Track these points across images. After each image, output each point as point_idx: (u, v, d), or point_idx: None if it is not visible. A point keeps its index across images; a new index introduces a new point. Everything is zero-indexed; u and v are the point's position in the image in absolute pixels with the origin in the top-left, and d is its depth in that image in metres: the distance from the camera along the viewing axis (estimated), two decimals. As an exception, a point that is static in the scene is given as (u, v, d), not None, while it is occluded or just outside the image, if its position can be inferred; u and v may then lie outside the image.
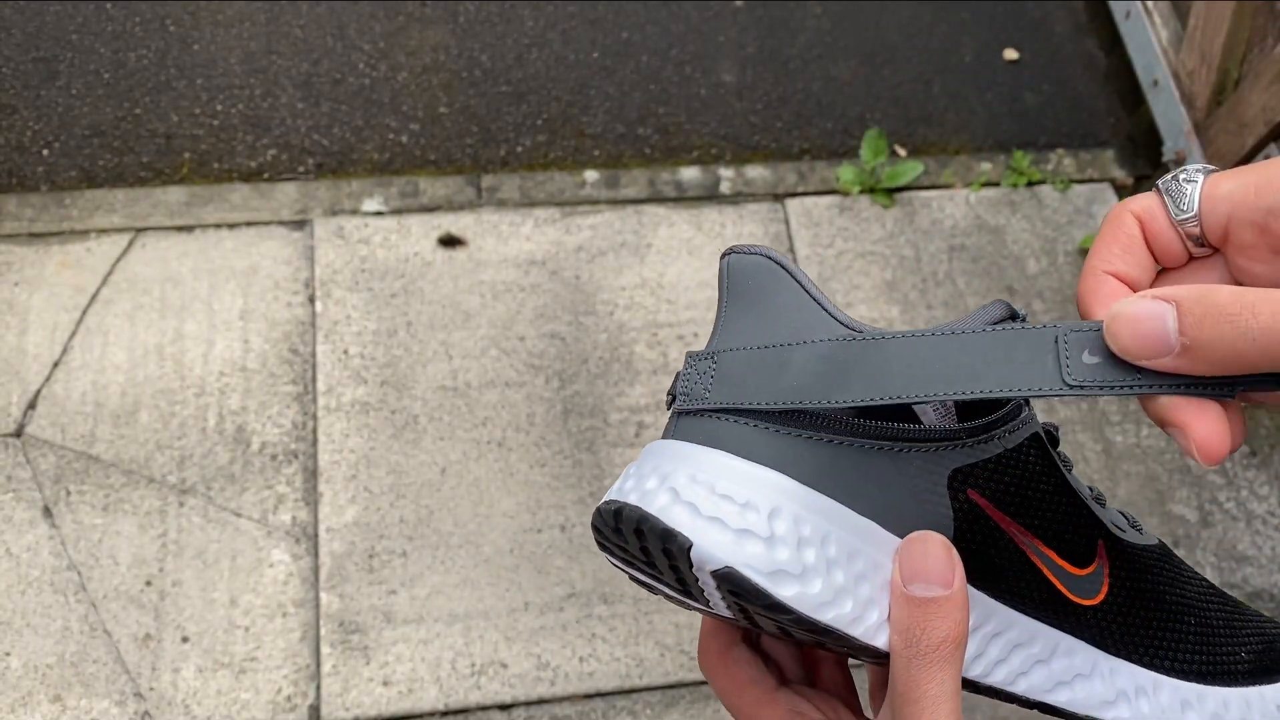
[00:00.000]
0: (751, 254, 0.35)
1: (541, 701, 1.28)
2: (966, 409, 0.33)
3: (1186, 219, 0.31)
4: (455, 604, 1.32)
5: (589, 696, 1.29)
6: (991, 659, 0.32)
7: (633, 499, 0.30)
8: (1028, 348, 0.29)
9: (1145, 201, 0.32)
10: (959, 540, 0.31)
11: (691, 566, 0.29)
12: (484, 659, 1.30)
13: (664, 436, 0.33)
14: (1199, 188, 0.31)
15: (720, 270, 0.35)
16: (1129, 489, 1.48)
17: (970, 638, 0.31)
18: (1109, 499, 1.48)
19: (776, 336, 0.32)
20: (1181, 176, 0.31)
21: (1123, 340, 0.29)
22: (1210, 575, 1.43)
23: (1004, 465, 0.32)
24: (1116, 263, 0.32)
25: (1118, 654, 0.35)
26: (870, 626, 0.30)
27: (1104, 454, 1.50)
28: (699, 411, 0.32)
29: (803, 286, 0.33)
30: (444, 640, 1.30)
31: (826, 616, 0.29)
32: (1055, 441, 0.35)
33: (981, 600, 0.32)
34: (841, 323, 0.32)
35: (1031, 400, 0.34)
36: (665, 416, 1.46)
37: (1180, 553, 1.45)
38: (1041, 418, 0.38)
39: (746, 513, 0.29)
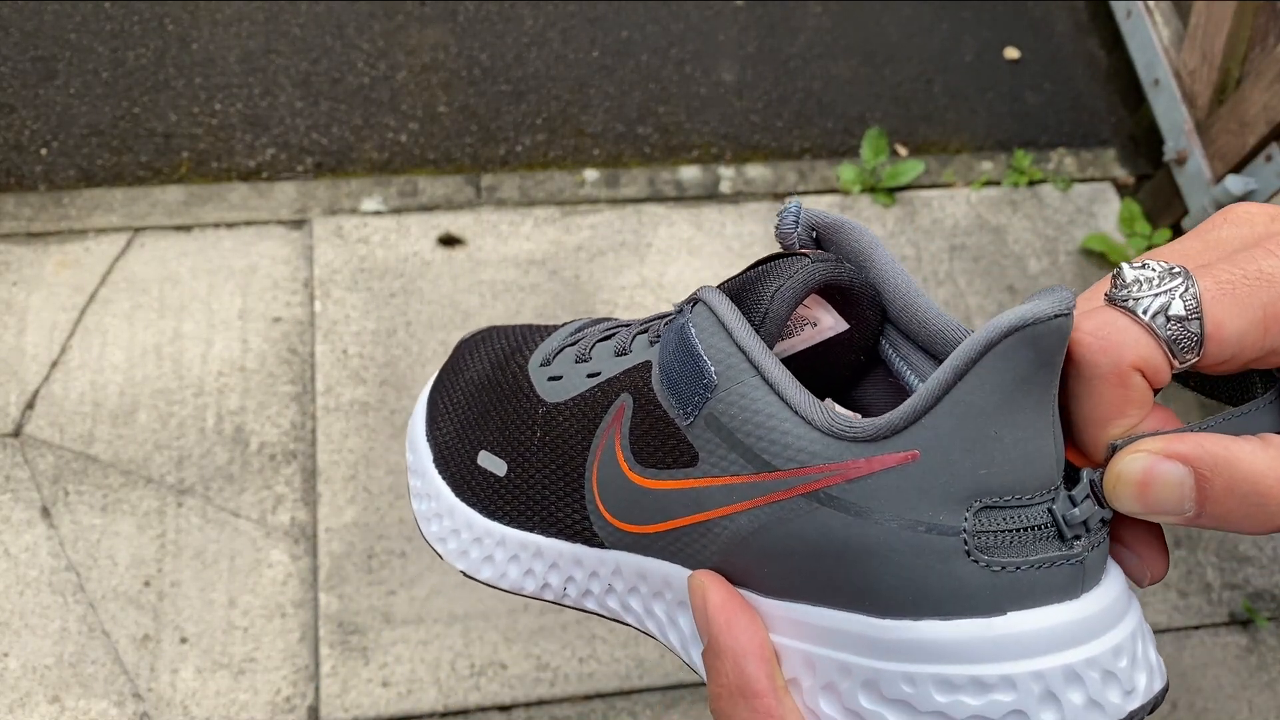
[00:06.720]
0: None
1: (541, 702, 1.28)
2: None
3: (1193, 361, 0.28)
4: (454, 605, 1.32)
5: (589, 697, 1.29)
6: None
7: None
8: None
9: (1144, 351, 0.28)
10: None
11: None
12: (483, 660, 1.29)
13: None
14: (1200, 323, 0.27)
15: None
16: (1130, 489, 1.47)
17: None
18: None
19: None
20: (1181, 314, 0.27)
21: (1127, 504, 0.27)
22: (1211, 575, 1.43)
23: None
24: (1130, 423, 0.28)
25: None
26: None
27: (1105, 454, 1.50)
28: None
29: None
30: (443, 641, 1.30)
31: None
32: None
33: None
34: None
35: None
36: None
37: (1180, 553, 1.45)
38: None
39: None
